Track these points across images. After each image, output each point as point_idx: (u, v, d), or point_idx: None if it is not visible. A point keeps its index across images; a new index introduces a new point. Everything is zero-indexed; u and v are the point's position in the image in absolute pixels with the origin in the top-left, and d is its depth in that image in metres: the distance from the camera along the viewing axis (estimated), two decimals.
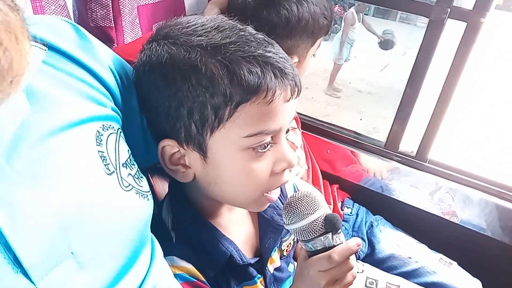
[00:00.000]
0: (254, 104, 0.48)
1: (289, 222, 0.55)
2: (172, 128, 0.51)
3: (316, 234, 0.53)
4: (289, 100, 0.51)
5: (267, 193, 0.56)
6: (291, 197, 0.56)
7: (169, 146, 0.53)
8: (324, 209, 0.55)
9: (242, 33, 0.51)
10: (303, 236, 0.54)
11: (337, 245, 0.54)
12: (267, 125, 0.50)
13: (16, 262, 0.33)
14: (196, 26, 0.52)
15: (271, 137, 0.52)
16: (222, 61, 0.47)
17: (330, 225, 0.53)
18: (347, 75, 5.07)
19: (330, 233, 0.53)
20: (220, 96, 0.47)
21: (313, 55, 0.92)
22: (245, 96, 0.47)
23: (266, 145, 0.52)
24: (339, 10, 7.12)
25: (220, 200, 0.61)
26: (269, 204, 0.61)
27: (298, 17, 0.80)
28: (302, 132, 1.19)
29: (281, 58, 0.51)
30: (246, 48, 0.48)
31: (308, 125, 1.30)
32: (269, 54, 0.49)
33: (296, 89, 0.52)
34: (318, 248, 0.54)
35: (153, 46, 0.52)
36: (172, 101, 0.50)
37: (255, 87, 0.47)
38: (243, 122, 0.49)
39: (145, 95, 0.54)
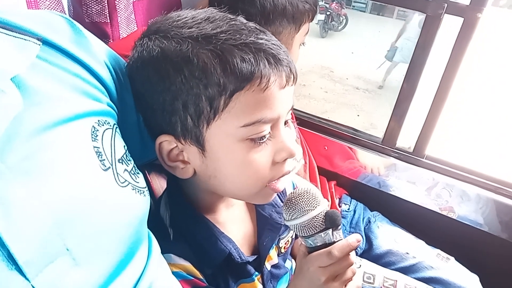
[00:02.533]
0: (249, 92, 0.47)
1: (290, 218, 0.55)
2: (168, 123, 0.51)
3: (316, 230, 0.53)
4: (284, 86, 0.50)
5: (271, 182, 0.55)
6: (291, 193, 0.55)
7: (166, 142, 0.52)
8: (324, 205, 0.55)
9: (233, 22, 0.50)
10: (303, 232, 0.54)
11: (337, 241, 0.54)
12: (263, 114, 0.49)
13: (10, 258, 0.33)
14: (186, 18, 0.51)
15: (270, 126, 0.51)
16: (214, 51, 0.47)
17: (331, 221, 0.53)
18: (344, 72, 5.08)
19: (330, 229, 0.53)
20: (214, 86, 0.47)
21: (303, 43, 0.90)
22: (239, 84, 0.47)
23: (266, 134, 0.51)
24: (337, 8, 7.13)
25: (222, 194, 0.60)
26: (275, 195, 0.60)
27: (274, 3, 0.78)
28: (299, 128, 1.18)
29: (274, 45, 0.50)
30: (238, 36, 0.48)
31: (305, 122, 1.30)
32: (261, 41, 0.49)
33: (292, 76, 0.51)
34: (318, 244, 0.54)
35: (144, 42, 0.51)
36: (166, 95, 0.49)
37: (248, 75, 0.47)
38: (239, 112, 0.48)
39: (139, 91, 0.53)
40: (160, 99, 0.50)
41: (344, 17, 7.30)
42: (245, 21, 0.52)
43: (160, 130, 0.52)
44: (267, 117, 0.49)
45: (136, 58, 0.52)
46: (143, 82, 0.51)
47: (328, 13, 6.92)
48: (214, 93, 0.47)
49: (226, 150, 0.51)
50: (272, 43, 0.50)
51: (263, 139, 0.51)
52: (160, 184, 0.76)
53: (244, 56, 0.47)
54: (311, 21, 0.87)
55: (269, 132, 0.51)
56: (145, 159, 0.63)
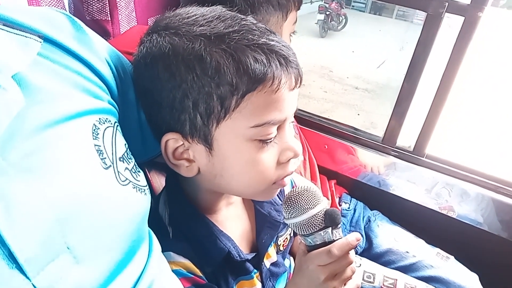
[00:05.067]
0: (261, 93, 0.48)
1: (289, 216, 0.54)
2: (176, 121, 0.51)
3: (316, 228, 0.53)
4: (293, 88, 0.51)
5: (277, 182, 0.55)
6: (291, 191, 0.55)
7: (173, 140, 0.52)
8: (324, 204, 0.55)
9: (244, 22, 0.50)
10: (303, 230, 0.54)
11: (337, 239, 0.54)
12: (273, 115, 0.49)
13: (11, 257, 0.33)
14: (196, 16, 0.51)
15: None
16: (227, 50, 0.47)
17: (330, 220, 0.53)
18: (343, 72, 5.08)
19: (330, 228, 0.53)
20: (226, 85, 0.47)
21: (293, 33, 0.89)
22: (251, 85, 0.47)
23: (273, 135, 0.51)
24: (336, 7, 7.13)
25: (226, 192, 0.60)
26: (278, 190, 0.60)
27: None
28: (300, 127, 1.18)
29: (284, 46, 0.50)
30: (250, 36, 0.48)
31: (305, 121, 1.30)
32: (272, 43, 0.49)
33: (299, 78, 0.52)
34: (318, 243, 0.54)
35: (153, 38, 0.51)
36: (176, 93, 0.49)
37: (261, 76, 0.47)
38: (250, 112, 0.48)
39: (146, 88, 0.52)
40: (169, 97, 0.49)
41: (343, 17, 7.30)
42: (255, 21, 0.52)
43: (166, 128, 0.52)
44: (276, 119, 0.50)
45: (145, 54, 0.51)
46: (152, 79, 0.51)
47: (327, 13, 6.91)
48: (226, 93, 0.47)
49: (234, 150, 0.51)
50: (282, 45, 0.50)
51: (270, 140, 0.51)
52: (160, 182, 0.76)
53: (257, 57, 0.47)
54: (298, 9, 0.86)
55: (276, 133, 0.52)
56: (146, 156, 0.63)
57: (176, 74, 0.48)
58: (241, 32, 0.48)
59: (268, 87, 0.48)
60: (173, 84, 0.48)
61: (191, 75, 0.47)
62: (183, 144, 0.52)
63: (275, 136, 0.52)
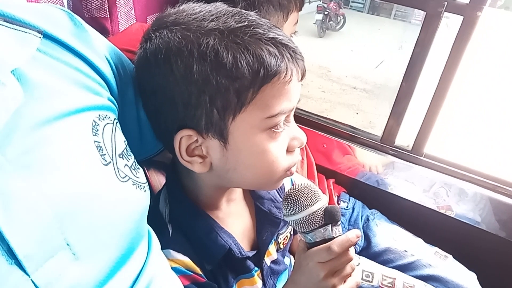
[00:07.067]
0: (276, 84, 0.49)
1: (289, 213, 0.55)
2: (191, 117, 0.50)
3: (316, 225, 0.53)
4: (301, 79, 0.53)
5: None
6: (290, 188, 0.56)
7: (186, 137, 0.52)
8: (323, 201, 0.55)
9: (251, 17, 0.51)
10: (303, 227, 0.54)
11: (337, 237, 0.54)
12: (284, 105, 0.51)
13: (10, 253, 0.32)
14: (203, 12, 0.51)
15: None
16: (242, 44, 0.47)
17: (330, 217, 0.53)
18: (341, 72, 5.09)
19: (330, 225, 0.53)
20: (243, 79, 0.47)
21: (294, 33, 0.89)
22: (267, 78, 0.48)
23: (282, 124, 0.53)
24: (334, 7, 7.14)
25: (236, 186, 0.61)
26: (284, 180, 0.61)
27: None
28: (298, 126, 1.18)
29: (290, 40, 0.52)
30: (260, 31, 0.49)
31: (304, 120, 1.30)
32: (280, 37, 0.50)
33: (305, 70, 0.54)
34: (318, 240, 0.54)
35: (163, 34, 0.50)
36: (192, 88, 0.48)
37: (276, 68, 0.48)
38: (264, 104, 0.49)
39: (156, 85, 0.51)
40: (184, 92, 0.49)
41: (341, 17, 7.31)
42: (258, 16, 0.53)
43: (179, 125, 0.52)
44: (287, 108, 0.51)
45: (154, 50, 0.50)
46: (164, 75, 0.50)
47: (326, 12, 6.92)
48: (242, 86, 0.48)
49: (248, 142, 0.52)
50: (288, 38, 0.51)
51: (279, 129, 0.52)
52: (158, 180, 0.76)
53: (271, 50, 0.48)
54: (300, 11, 0.86)
55: (284, 123, 0.53)
56: (144, 155, 0.63)
57: (192, 69, 0.47)
58: (252, 27, 0.49)
59: (282, 78, 0.49)
60: (188, 80, 0.48)
61: (207, 70, 0.47)
62: (197, 140, 0.52)
63: (284, 126, 0.53)
